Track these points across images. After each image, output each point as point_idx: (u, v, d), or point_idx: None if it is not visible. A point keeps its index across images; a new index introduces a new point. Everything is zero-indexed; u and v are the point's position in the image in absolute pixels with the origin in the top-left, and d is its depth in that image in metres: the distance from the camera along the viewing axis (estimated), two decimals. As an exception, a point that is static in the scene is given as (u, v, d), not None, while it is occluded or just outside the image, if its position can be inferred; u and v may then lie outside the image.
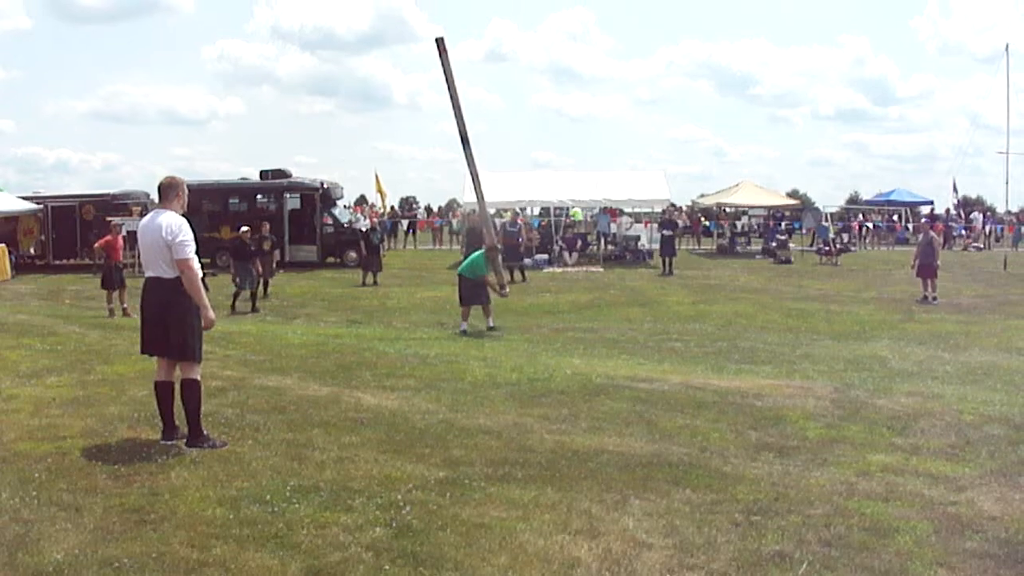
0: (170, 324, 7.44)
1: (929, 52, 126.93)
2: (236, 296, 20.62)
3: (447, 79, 16.36)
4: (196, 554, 5.21)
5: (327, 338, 15.01)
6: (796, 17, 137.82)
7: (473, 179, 17.51)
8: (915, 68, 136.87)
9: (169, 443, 7.55)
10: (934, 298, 21.61)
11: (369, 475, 6.77)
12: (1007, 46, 40.93)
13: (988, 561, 5.26)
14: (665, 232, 31.66)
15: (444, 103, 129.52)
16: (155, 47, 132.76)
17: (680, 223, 35.23)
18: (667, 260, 30.82)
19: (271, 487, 6.44)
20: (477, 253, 16.94)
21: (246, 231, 22.00)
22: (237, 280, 20.72)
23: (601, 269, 32.36)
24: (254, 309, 20.45)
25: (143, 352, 7.81)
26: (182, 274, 7.35)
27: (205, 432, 7.62)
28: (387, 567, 5.06)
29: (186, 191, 7.77)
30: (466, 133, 16.70)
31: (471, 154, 16.79)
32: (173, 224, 7.39)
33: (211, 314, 7.45)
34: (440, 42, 16.21)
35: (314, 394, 9.84)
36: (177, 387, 7.62)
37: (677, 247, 33.05)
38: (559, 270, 31.82)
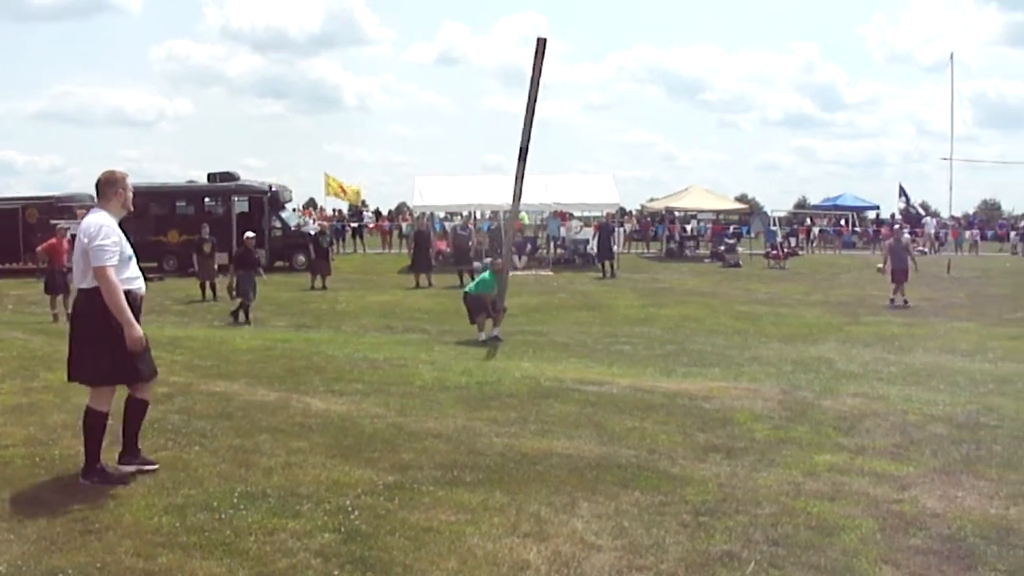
0: (84, 342, 6.60)
1: (876, 60, 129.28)
2: (245, 308, 19.36)
3: (533, 84, 15.26)
4: (142, 563, 5.14)
5: (275, 342, 14.88)
6: (746, 23, 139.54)
7: (515, 197, 16.23)
8: (862, 75, 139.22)
9: (129, 468, 6.90)
10: (904, 302, 21.76)
11: (317, 480, 6.72)
12: (951, 55, 41.68)
13: (931, 557, 5.34)
14: (602, 235, 31.93)
15: (395, 105, 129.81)
16: (102, 47, 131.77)
17: (614, 226, 35.33)
18: (606, 263, 31.00)
19: (218, 494, 6.37)
20: (486, 273, 16.90)
21: (252, 237, 21.12)
22: (235, 291, 19.57)
23: (550, 272, 32.46)
24: (247, 320, 19.08)
25: (69, 380, 6.85)
26: (99, 284, 6.41)
27: (100, 466, 6.74)
28: (336, 572, 5.03)
29: (129, 188, 6.86)
30: (527, 147, 15.46)
31: (523, 171, 15.67)
32: (92, 225, 6.50)
33: (136, 332, 6.45)
34: (542, 43, 15.11)
35: (262, 399, 9.75)
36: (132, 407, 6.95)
37: (616, 250, 33.23)
38: (508, 273, 31.75)
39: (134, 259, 6.84)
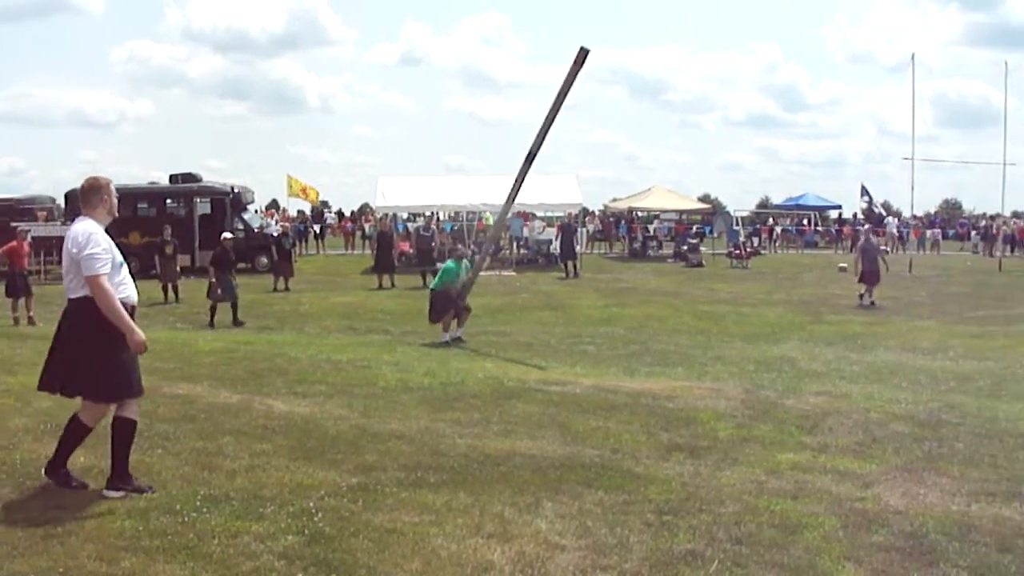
0: (76, 353, 6.33)
1: (838, 60, 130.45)
2: (212, 309, 19.33)
3: (563, 91, 15.01)
4: (105, 567, 5.07)
5: (238, 344, 14.77)
6: (708, 25, 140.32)
7: (510, 197, 16.39)
8: (824, 76, 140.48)
9: (116, 494, 6.45)
10: (872, 303, 21.94)
11: (281, 483, 6.67)
12: (913, 56, 41.82)
13: (894, 554, 5.38)
14: (565, 235, 32.06)
15: (357, 106, 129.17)
16: (62, 47, 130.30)
17: (577, 226, 35.49)
18: (569, 264, 31.11)
19: (181, 497, 6.30)
20: (449, 262, 16.78)
21: (229, 238, 21.10)
22: (217, 292, 19.39)
23: (514, 273, 32.48)
24: (236, 322, 19.15)
25: (39, 388, 6.60)
26: (93, 294, 6.16)
27: (65, 469, 6.53)
28: (300, 575, 5.00)
29: (113, 194, 6.60)
30: (537, 152, 15.44)
31: (526, 173, 15.64)
32: (80, 234, 6.24)
33: (139, 336, 6.30)
34: (583, 54, 14.65)
35: (225, 401, 9.67)
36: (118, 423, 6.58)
37: (579, 250, 33.33)
38: (480, 270, 31.74)
39: (125, 266, 6.61)
